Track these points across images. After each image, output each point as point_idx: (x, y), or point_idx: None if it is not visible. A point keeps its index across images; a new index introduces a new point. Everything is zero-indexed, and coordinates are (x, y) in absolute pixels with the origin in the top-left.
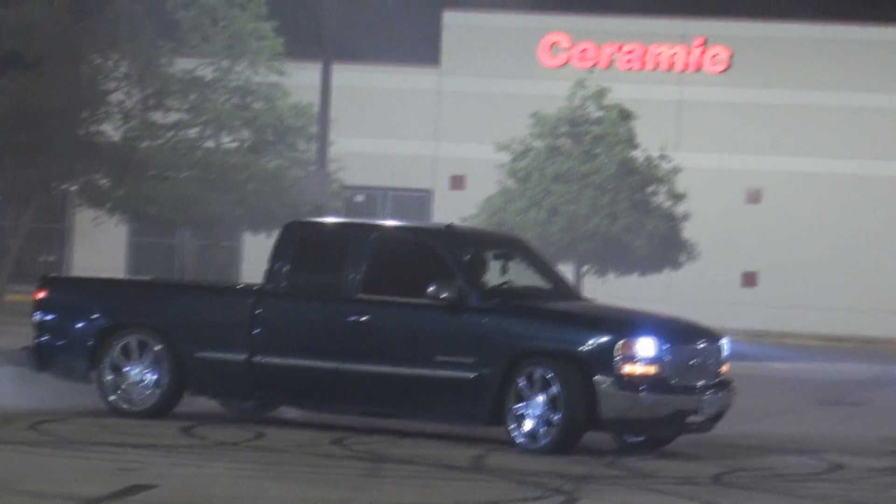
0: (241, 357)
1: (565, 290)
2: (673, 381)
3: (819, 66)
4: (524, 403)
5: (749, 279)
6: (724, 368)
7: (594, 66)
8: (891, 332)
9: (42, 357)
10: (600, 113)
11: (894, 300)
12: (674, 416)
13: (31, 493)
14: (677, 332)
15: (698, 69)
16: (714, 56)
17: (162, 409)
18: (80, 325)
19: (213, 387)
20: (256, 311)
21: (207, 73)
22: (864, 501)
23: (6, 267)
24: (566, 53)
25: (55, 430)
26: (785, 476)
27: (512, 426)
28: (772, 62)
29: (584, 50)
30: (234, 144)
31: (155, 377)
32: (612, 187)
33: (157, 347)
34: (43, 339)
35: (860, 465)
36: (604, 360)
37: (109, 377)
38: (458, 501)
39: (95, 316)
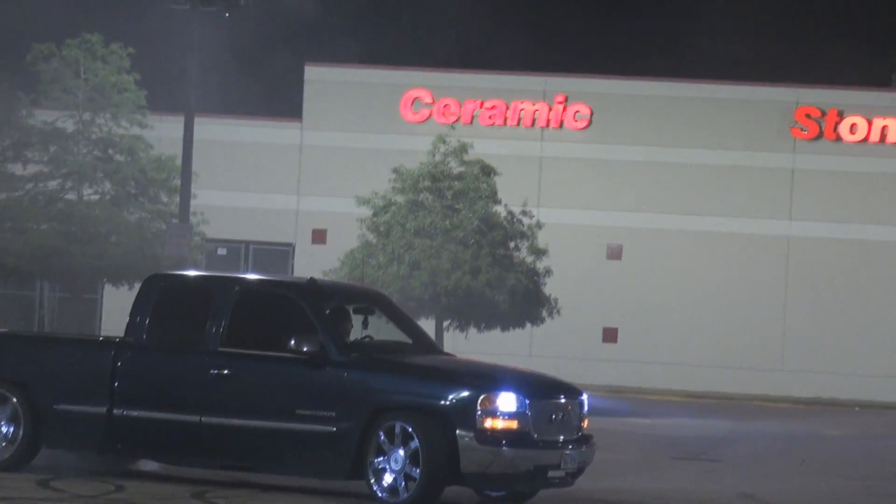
0: (101, 410)
1: (426, 345)
2: (534, 436)
3: (678, 124)
4: (384, 457)
5: (610, 335)
6: (585, 423)
7: (456, 121)
8: (748, 389)
9: None
10: (462, 168)
11: (752, 357)
12: (535, 471)
13: None
14: (538, 388)
15: (559, 125)
16: (575, 113)
17: (18, 462)
18: None
19: (73, 440)
20: (117, 364)
21: (69, 125)
22: None
23: None
24: (428, 109)
25: None
26: None
27: (372, 480)
28: (631, 119)
29: (446, 105)
30: (96, 197)
31: (10, 430)
32: (473, 242)
33: (14, 400)
34: None
35: None
36: (465, 414)
37: None
38: None
39: None
